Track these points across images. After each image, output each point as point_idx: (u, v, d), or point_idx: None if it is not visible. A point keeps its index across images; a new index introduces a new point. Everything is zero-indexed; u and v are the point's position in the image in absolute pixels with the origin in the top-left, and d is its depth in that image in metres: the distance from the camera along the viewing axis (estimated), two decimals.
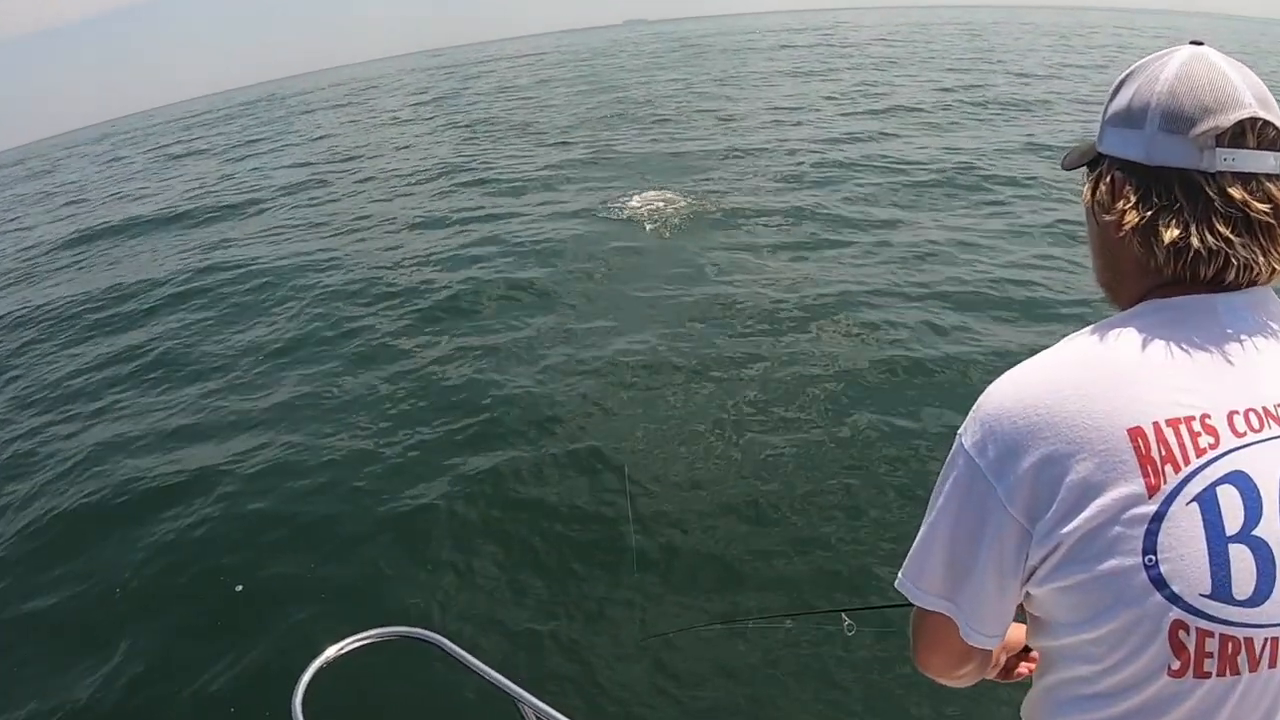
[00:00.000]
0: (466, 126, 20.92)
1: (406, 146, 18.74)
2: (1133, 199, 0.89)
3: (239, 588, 4.13)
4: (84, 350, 8.05)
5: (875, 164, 11.91)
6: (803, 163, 12.36)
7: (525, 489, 4.68)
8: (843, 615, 1.76)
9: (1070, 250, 7.85)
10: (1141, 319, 0.89)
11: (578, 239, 9.44)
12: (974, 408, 0.93)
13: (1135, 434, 0.81)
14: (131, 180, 20.93)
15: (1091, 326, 0.92)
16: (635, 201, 10.71)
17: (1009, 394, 0.89)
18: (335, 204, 13.07)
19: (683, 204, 10.41)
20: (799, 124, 15.94)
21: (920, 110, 16.50)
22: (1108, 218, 0.92)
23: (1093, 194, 0.95)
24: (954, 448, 0.93)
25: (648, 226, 9.67)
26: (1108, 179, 0.93)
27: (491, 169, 14.33)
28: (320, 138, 22.33)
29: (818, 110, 17.47)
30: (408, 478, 4.87)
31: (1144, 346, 0.86)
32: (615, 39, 72.46)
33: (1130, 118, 0.91)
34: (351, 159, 17.74)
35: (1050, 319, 6.39)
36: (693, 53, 40.49)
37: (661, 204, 10.47)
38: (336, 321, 7.68)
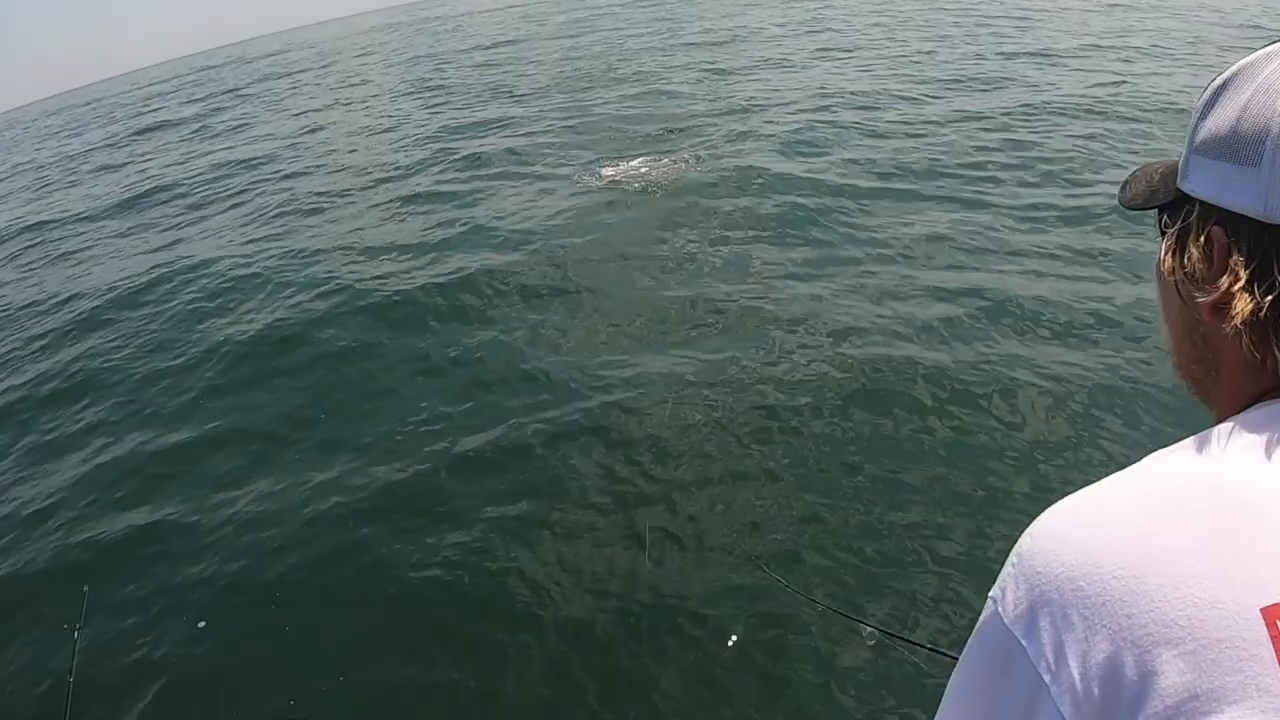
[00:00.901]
0: (438, 89, 20.56)
1: (372, 115, 18.38)
2: (1243, 274, 0.64)
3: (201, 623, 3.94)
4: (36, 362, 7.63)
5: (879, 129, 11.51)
6: (800, 124, 11.98)
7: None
8: (865, 625, 1.75)
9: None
10: (1265, 431, 0.62)
11: (552, 218, 9.10)
12: (1014, 555, 0.66)
13: (1275, 616, 0.53)
14: (88, 160, 20.46)
15: (1187, 443, 0.66)
16: (613, 170, 10.41)
17: (1071, 542, 0.62)
18: (291, 189, 12.30)
19: (668, 171, 10.11)
20: (794, 77, 15.52)
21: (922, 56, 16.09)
22: (1201, 298, 0.68)
23: (1176, 256, 0.71)
24: (986, 614, 0.66)
25: (630, 199, 9.35)
26: (1201, 238, 0.68)
27: (462, 139, 13.95)
28: (283, 109, 21.76)
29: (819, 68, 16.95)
30: (369, 498, 4.62)
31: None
32: None
33: (1238, 148, 0.65)
34: (316, 132, 17.31)
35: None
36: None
37: (645, 171, 10.18)
38: (287, 324, 7.26)
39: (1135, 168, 0.84)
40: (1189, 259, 0.69)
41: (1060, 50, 14.59)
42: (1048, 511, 0.67)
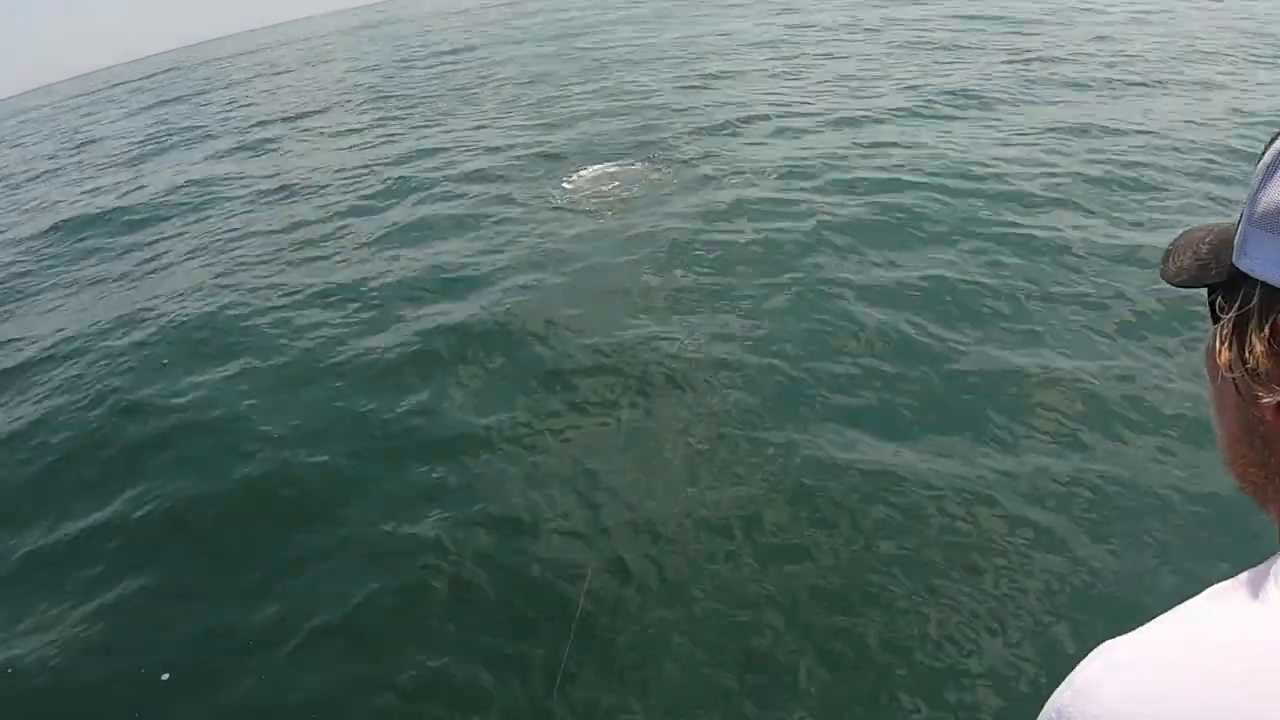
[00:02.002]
0: (398, 99, 20.55)
1: (327, 131, 18.27)
2: None
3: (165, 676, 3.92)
4: None
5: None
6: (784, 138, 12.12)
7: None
8: None
9: None
10: None
11: (520, 233, 9.22)
12: (1053, 710, 0.62)
13: None
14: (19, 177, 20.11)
15: (1250, 581, 0.60)
16: (586, 177, 10.69)
17: (1134, 693, 0.58)
18: (239, 218, 11.82)
19: (642, 178, 10.36)
20: (783, 83, 15.68)
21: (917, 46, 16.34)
22: (1266, 397, 0.62)
23: (1234, 347, 0.64)
24: None
25: (601, 209, 9.52)
26: (1266, 327, 0.61)
27: (423, 159, 13.91)
28: (230, 126, 21.43)
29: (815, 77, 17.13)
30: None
31: None
32: None
33: None
34: (266, 153, 17.05)
35: None
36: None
37: (618, 180, 10.40)
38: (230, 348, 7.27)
39: (1179, 233, 0.77)
40: (1251, 352, 0.62)
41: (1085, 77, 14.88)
42: (1098, 662, 0.62)
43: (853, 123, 12.24)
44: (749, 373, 5.74)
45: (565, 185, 10.64)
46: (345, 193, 11.93)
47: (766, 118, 12.89)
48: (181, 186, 14.30)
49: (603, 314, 6.78)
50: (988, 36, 19.28)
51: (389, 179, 12.17)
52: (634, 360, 6.05)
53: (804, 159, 10.60)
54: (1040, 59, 15.94)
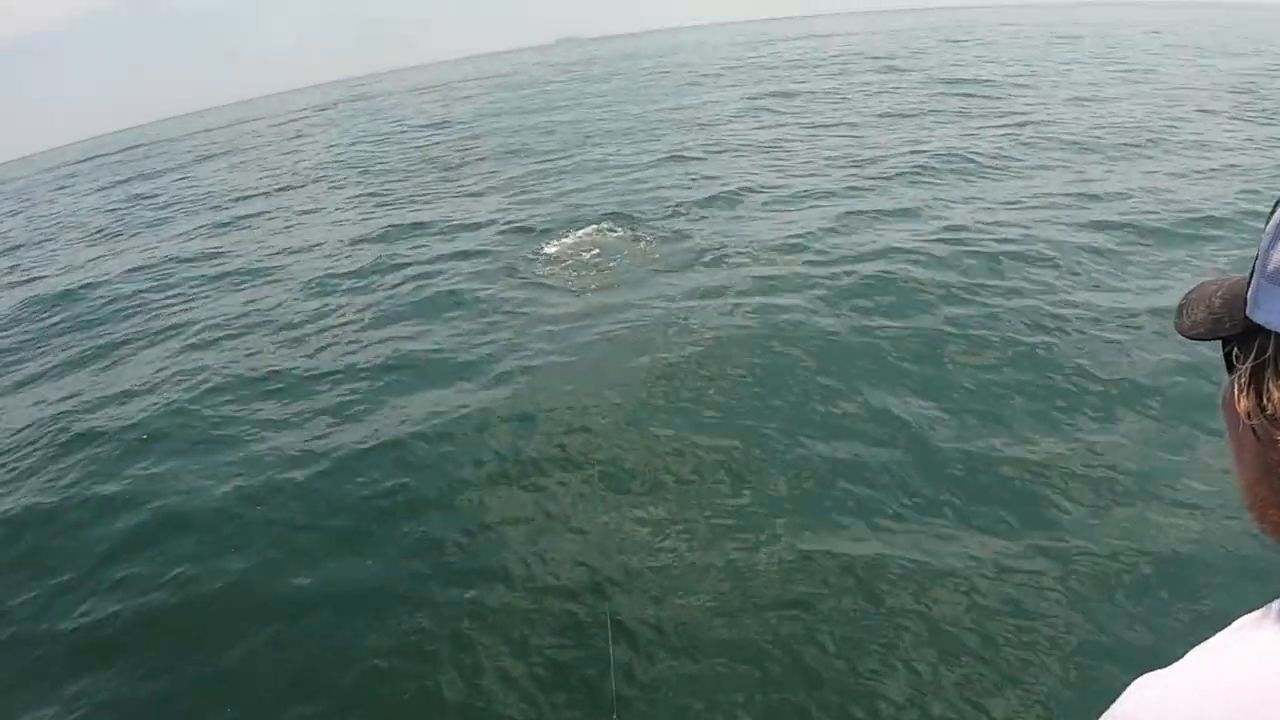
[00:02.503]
0: (376, 174, 20.76)
1: (305, 209, 18.35)
2: None
3: None
4: None
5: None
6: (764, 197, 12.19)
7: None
8: None
9: None
10: None
11: (498, 312, 9.14)
12: None
13: None
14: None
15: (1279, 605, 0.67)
16: (568, 242, 10.89)
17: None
18: (214, 303, 11.55)
19: (623, 247, 10.48)
20: (759, 152, 15.87)
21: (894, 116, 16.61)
22: None
23: (1252, 395, 0.70)
24: None
25: (582, 285, 9.49)
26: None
27: (404, 225, 14.07)
28: (204, 203, 21.39)
29: (788, 145, 17.40)
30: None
31: None
32: (548, 60, 73.31)
33: None
34: (241, 230, 16.97)
35: None
36: (632, 75, 40.94)
37: (599, 248, 10.55)
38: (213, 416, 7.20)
39: (1190, 288, 0.84)
40: (1269, 399, 0.68)
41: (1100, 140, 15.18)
42: (1134, 697, 0.68)
43: (835, 194, 12.37)
44: (730, 460, 5.65)
45: (548, 250, 10.70)
46: (322, 272, 11.83)
47: (751, 189, 13.01)
48: (157, 264, 14.17)
49: (582, 402, 6.67)
50: (972, 101, 19.75)
51: (367, 258, 12.15)
52: (615, 452, 5.92)
53: (789, 230, 10.65)
54: (1029, 122, 16.28)
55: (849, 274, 8.75)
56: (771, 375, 6.83)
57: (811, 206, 11.75)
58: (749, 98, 24.84)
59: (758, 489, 5.32)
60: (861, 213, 11.04)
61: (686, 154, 16.70)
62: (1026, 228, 9.71)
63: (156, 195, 23.72)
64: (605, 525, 5.14)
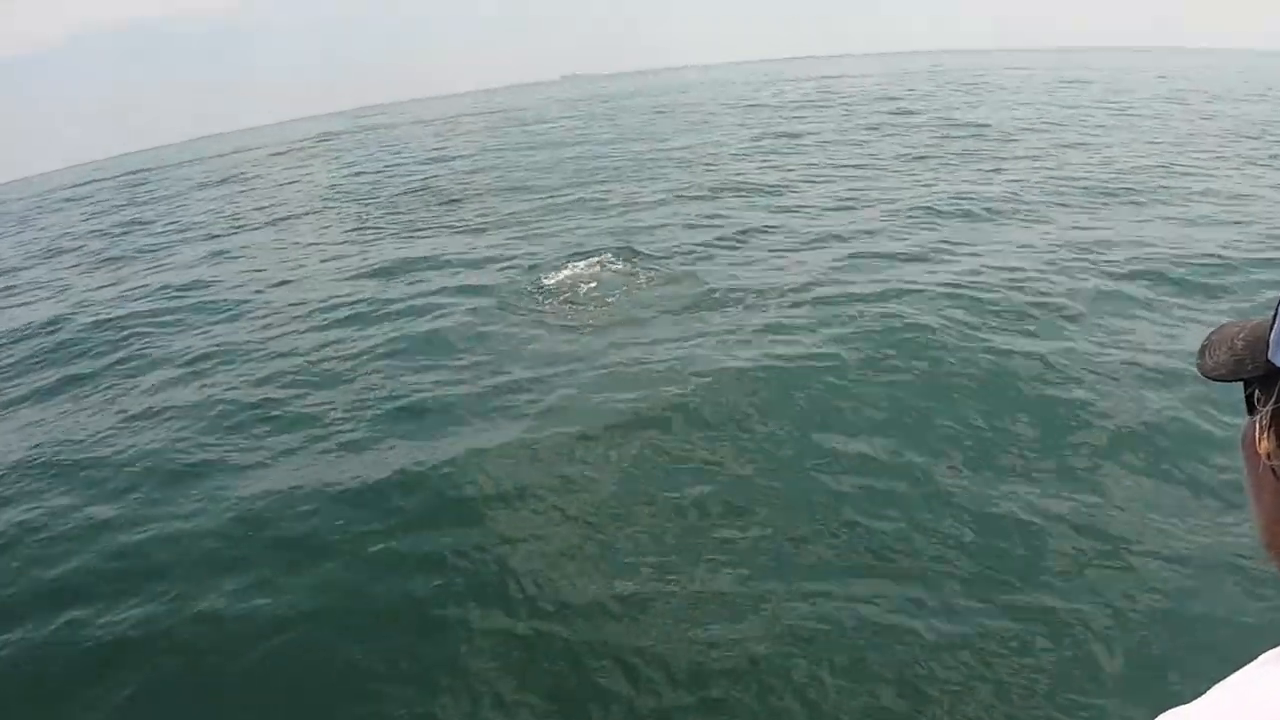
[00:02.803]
0: (377, 204, 20.80)
1: (305, 241, 18.37)
2: None
3: None
4: None
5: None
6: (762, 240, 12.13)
7: None
8: None
9: None
10: None
11: (498, 334, 9.26)
12: None
13: None
14: None
15: None
16: (567, 279, 10.85)
17: None
18: (210, 335, 11.30)
19: (621, 281, 10.51)
20: (765, 193, 15.86)
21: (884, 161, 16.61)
22: None
23: (1273, 436, 0.73)
24: None
25: (579, 311, 9.60)
26: None
27: (403, 260, 14.00)
28: (201, 231, 21.39)
29: (794, 187, 17.42)
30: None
31: None
32: (554, 96, 74.03)
33: None
34: (238, 259, 16.87)
35: None
36: (638, 112, 41.27)
37: (596, 281, 10.57)
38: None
39: (1209, 331, 0.87)
40: None
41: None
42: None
43: (842, 236, 12.32)
44: (730, 501, 5.58)
45: (547, 285, 10.69)
46: (317, 306, 11.72)
47: (755, 230, 12.96)
48: (149, 293, 14.02)
49: (580, 440, 6.54)
50: (983, 144, 19.82)
51: (363, 292, 12.03)
52: (613, 489, 5.83)
53: (793, 272, 10.58)
54: (1040, 166, 16.30)
55: (853, 318, 8.64)
56: (770, 418, 6.71)
57: (817, 248, 11.68)
58: (755, 138, 24.98)
59: (756, 531, 5.25)
60: (868, 255, 10.97)
61: (689, 193, 16.69)
62: (1038, 273, 9.62)
63: (153, 222, 23.67)
64: (603, 562, 5.09)
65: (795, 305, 9.30)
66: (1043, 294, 8.95)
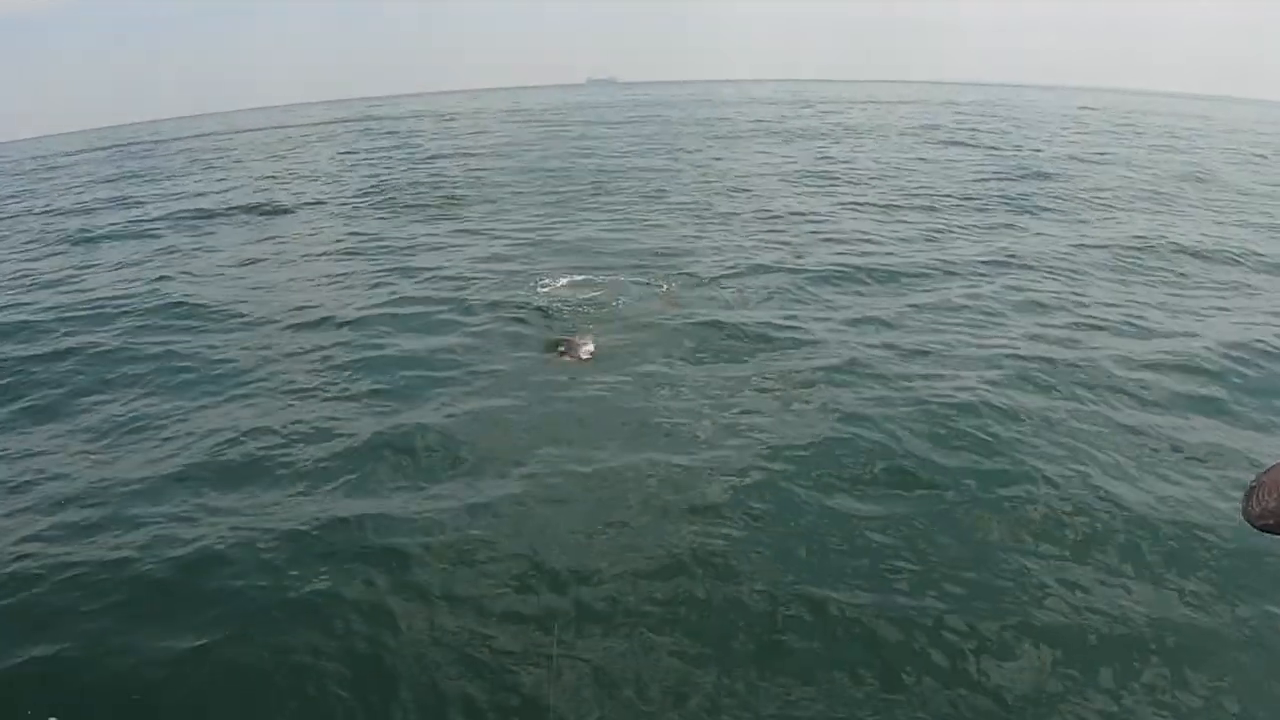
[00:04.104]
0: (378, 201, 20.27)
1: (299, 235, 17.65)
2: None
3: None
4: None
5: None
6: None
7: None
8: None
9: None
10: None
11: (490, 354, 8.89)
12: None
13: None
14: None
15: None
16: (568, 298, 10.44)
17: None
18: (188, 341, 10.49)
19: (626, 309, 10.09)
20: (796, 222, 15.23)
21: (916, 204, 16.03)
22: None
23: None
24: None
25: (578, 338, 8.93)
26: None
27: (396, 259, 13.59)
28: (185, 213, 20.71)
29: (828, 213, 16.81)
30: None
31: None
32: (576, 101, 73.82)
33: None
34: (239, 236, 16.61)
35: None
36: (663, 124, 40.83)
37: (598, 305, 10.17)
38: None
39: (1260, 471, 0.96)
40: None
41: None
42: None
43: (889, 277, 11.72)
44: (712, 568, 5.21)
45: (542, 289, 10.34)
46: (296, 314, 11.08)
47: (781, 265, 12.30)
48: (117, 293, 13.17)
49: (556, 500, 6.09)
50: (1050, 184, 19.17)
51: (351, 301, 11.46)
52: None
53: (823, 319, 9.93)
54: (1137, 234, 15.39)
55: (900, 387, 7.90)
56: (783, 485, 6.15)
57: (856, 293, 11.01)
58: (788, 159, 24.43)
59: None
60: (916, 309, 10.27)
61: (709, 215, 16.13)
62: (1100, 347, 8.93)
63: (142, 204, 22.99)
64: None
65: (818, 361, 8.60)
66: (1128, 368, 8.23)
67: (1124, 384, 7.86)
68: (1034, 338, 9.12)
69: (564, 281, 10.87)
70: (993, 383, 7.79)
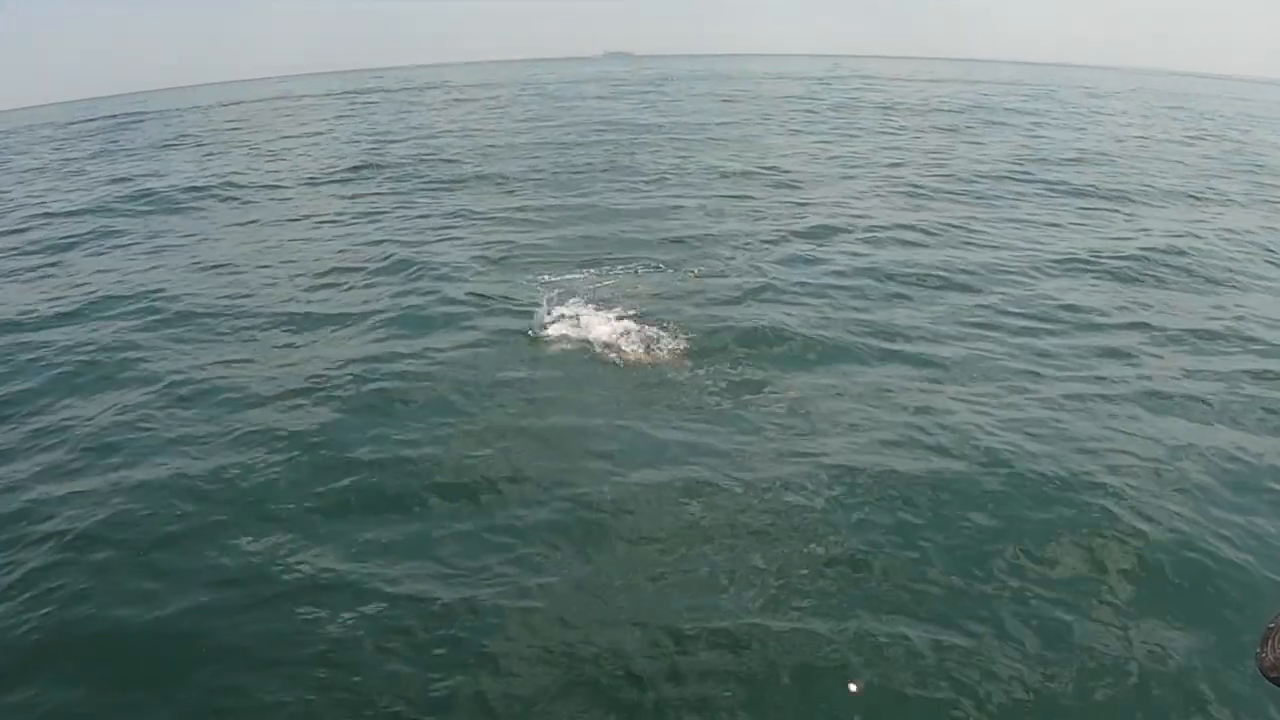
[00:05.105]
0: (377, 179, 19.66)
1: (295, 211, 16.88)
2: None
3: None
4: None
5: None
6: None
7: None
8: None
9: None
10: None
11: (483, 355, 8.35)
12: None
13: None
14: None
15: None
16: (573, 300, 9.55)
17: None
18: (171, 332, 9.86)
19: (655, 300, 9.68)
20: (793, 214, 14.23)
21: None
22: None
23: None
24: None
25: (577, 346, 8.48)
26: None
27: (389, 248, 12.89)
28: (173, 190, 20.03)
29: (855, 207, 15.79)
30: None
31: None
32: (591, 74, 72.72)
33: None
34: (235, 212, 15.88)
35: None
36: (684, 100, 39.72)
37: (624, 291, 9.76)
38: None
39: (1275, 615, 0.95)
40: None
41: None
42: None
43: (948, 287, 10.73)
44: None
45: (545, 311, 9.41)
46: (287, 305, 10.46)
47: (807, 284, 11.05)
48: (97, 288, 12.29)
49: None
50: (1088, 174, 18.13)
51: (340, 295, 10.84)
52: None
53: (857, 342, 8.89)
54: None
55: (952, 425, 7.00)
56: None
57: (911, 314, 9.86)
58: (823, 142, 23.32)
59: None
60: (986, 327, 9.21)
61: (730, 213, 14.93)
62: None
63: (129, 179, 22.10)
64: None
65: (853, 396, 7.65)
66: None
67: None
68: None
69: (575, 296, 9.80)
70: None
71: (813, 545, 5.30)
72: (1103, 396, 7.29)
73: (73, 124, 48.03)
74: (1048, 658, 4.36)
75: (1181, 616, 4.69)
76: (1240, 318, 9.41)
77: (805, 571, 5.05)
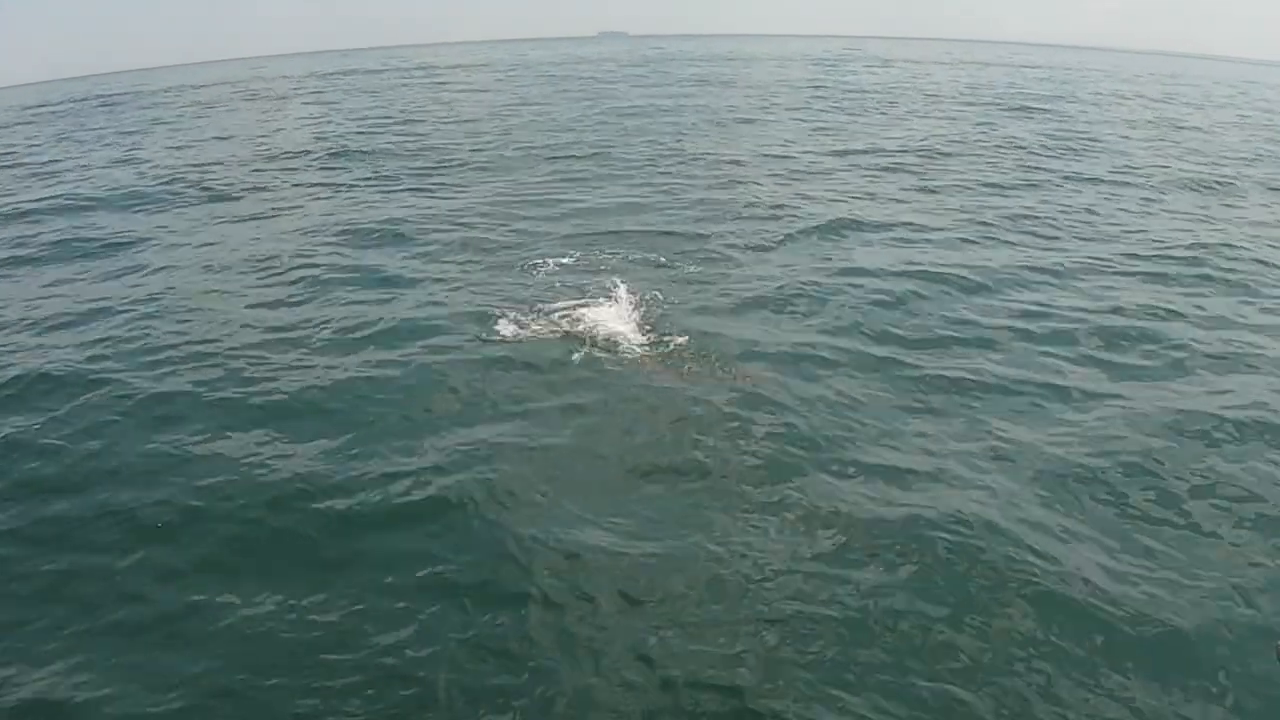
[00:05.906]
0: (361, 155, 19.82)
1: (263, 197, 16.68)
2: None
3: None
4: None
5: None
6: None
7: None
8: None
9: None
10: None
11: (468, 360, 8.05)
12: None
13: None
14: None
15: None
16: (555, 305, 9.33)
17: None
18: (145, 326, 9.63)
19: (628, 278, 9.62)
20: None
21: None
22: None
23: None
24: None
25: (563, 349, 8.21)
26: None
27: (392, 217, 13.22)
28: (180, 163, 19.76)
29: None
30: None
31: None
32: (585, 54, 72.33)
33: None
34: (213, 198, 15.93)
35: None
36: (680, 84, 39.30)
37: (584, 315, 9.02)
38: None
39: None
40: None
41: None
42: None
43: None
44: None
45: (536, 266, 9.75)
46: (256, 294, 10.41)
47: (809, 289, 10.48)
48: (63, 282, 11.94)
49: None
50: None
51: (334, 262, 11.16)
52: None
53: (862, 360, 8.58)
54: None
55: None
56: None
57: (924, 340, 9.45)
58: (819, 129, 22.97)
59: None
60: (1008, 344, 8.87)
61: (722, 212, 14.28)
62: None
63: (88, 165, 21.70)
64: None
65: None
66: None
67: None
68: None
69: (555, 300, 9.54)
70: None
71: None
72: None
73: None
74: None
75: None
76: None
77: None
